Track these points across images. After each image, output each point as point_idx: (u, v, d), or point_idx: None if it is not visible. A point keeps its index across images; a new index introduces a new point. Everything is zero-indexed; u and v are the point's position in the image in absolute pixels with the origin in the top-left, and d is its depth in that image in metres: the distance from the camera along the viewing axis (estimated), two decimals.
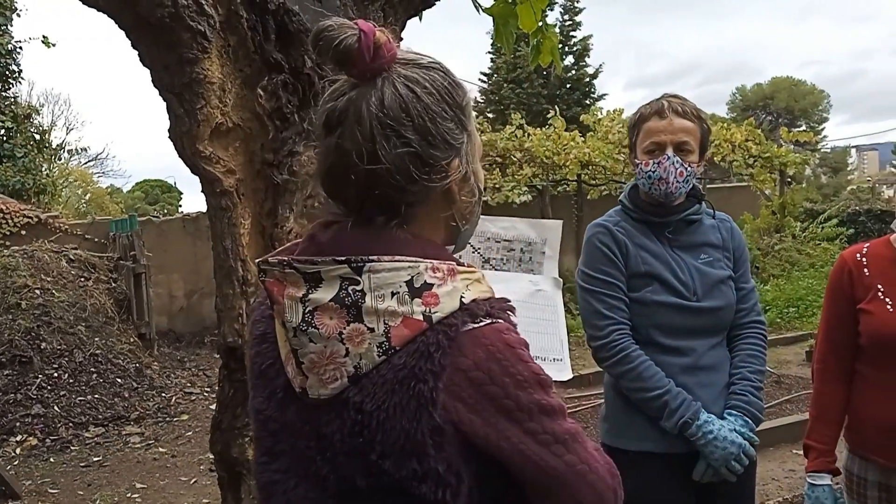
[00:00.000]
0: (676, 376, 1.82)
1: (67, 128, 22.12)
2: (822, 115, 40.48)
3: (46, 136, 11.69)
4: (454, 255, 1.01)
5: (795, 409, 5.42)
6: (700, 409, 1.79)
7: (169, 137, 2.06)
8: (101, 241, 8.90)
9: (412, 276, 0.88)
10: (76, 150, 18.93)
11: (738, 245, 1.98)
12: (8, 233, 8.47)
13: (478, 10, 2.86)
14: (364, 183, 0.90)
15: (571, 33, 24.53)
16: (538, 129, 10.95)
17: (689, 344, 1.85)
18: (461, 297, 0.90)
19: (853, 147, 43.49)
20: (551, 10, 24.19)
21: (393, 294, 0.87)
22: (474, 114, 1.04)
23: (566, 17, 24.58)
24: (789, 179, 13.51)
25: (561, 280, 1.68)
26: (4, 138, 10.15)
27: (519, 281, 1.60)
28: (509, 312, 0.95)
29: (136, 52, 2.03)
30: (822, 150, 34.22)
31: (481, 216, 1.64)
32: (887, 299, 1.83)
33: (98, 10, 1.96)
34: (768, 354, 6.58)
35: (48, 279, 7.13)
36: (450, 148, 0.93)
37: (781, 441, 4.73)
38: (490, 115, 21.74)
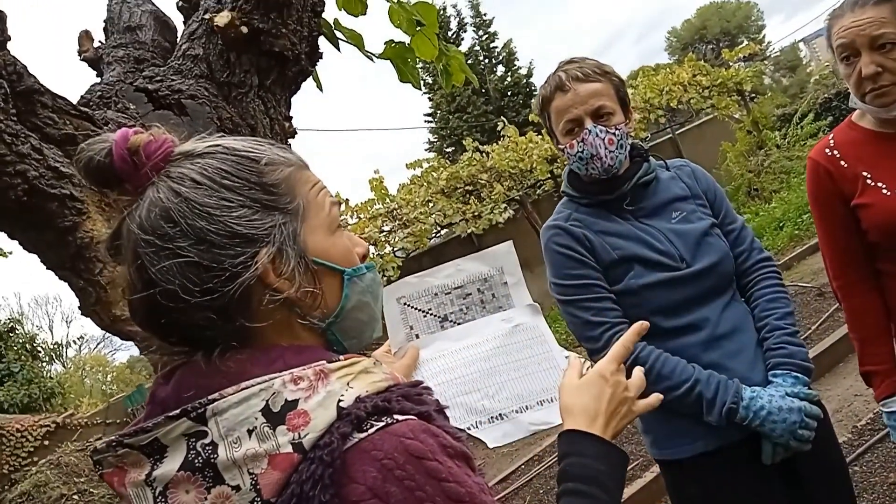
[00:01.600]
0: (699, 357, 1.57)
1: (66, 322, 22.16)
2: (758, 24, 40.61)
3: (35, 340, 11.65)
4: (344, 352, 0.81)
5: None
6: (739, 387, 1.53)
7: (84, 315, 1.88)
8: (122, 420, 8.74)
9: (267, 401, 0.68)
10: (74, 341, 18.94)
11: (707, 186, 1.74)
12: (32, 448, 8.31)
13: (371, 60, 2.73)
14: (156, 314, 0.74)
15: (491, 45, 24.71)
16: (494, 144, 10.85)
17: (698, 316, 1.60)
18: (338, 402, 0.69)
19: (800, 41, 43.28)
20: (465, 32, 24.50)
21: (250, 432, 0.67)
22: (319, 182, 0.85)
23: (480, 32, 24.79)
24: (753, 95, 13.36)
25: (538, 305, 1.44)
26: None
27: (490, 326, 1.37)
28: (423, 396, 0.75)
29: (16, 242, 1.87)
30: (771, 56, 34.19)
31: (417, 274, 1.44)
32: (879, 183, 1.59)
33: None
34: (800, 268, 6.26)
35: (81, 480, 6.93)
36: (247, 241, 0.75)
37: (849, 352, 4.43)
38: (448, 150, 21.75)
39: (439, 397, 1.22)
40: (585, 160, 1.64)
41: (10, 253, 8.15)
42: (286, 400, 0.69)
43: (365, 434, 0.68)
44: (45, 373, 11.37)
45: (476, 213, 9.89)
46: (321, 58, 2.40)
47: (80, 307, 1.86)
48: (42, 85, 1.70)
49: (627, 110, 1.68)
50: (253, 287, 0.74)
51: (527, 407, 1.24)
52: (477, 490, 0.69)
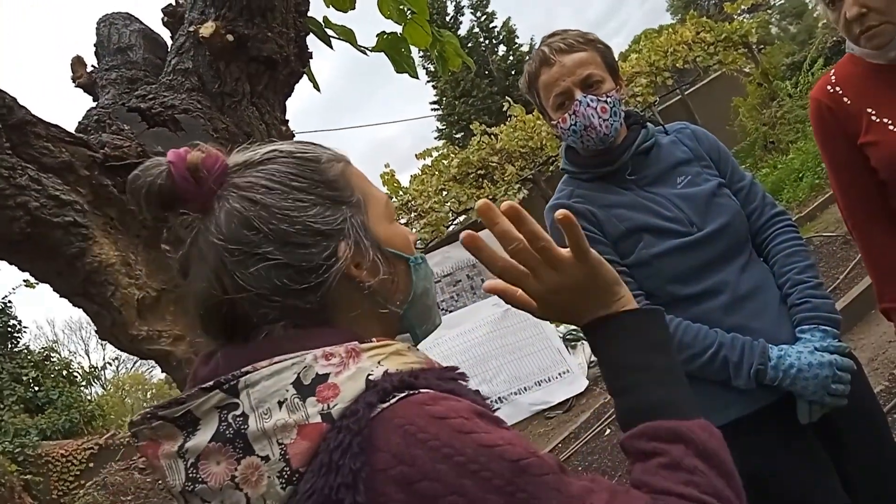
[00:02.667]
0: (722, 321, 1.53)
1: (101, 345, 22.52)
2: None
3: (71, 366, 11.85)
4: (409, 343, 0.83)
5: None
6: (766, 347, 1.48)
7: (102, 339, 1.89)
8: None
9: (299, 374, 0.69)
10: (109, 362, 19.25)
11: (710, 147, 1.70)
12: (78, 472, 8.46)
13: (365, 53, 2.71)
14: (240, 317, 0.76)
15: (491, 25, 24.52)
16: (502, 125, 10.77)
17: (716, 280, 1.56)
18: (367, 376, 0.70)
19: None
20: (462, 15, 24.32)
21: (280, 403, 0.67)
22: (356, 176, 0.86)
23: (478, 14, 24.59)
24: (760, 46, 13.12)
25: None
26: (36, 389, 10.27)
27: (482, 310, 1.36)
28: (458, 381, 0.75)
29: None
30: (776, 4, 33.54)
31: None
32: (884, 119, 1.52)
33: None
34: (824, 217, 6.14)
35: (128, 499, 7.05)
36: (327, 236, 0.77)
37: None
38: (458, 136, 21.68)
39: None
40: (579, 132, 1.60)
41: (38, 283, 8.30)
42: (317, 374, 0.69)
43: (387, 404, 0.68)
44: (83, 397, 11.59)
45: (490, 197, 9.83)
46: (311, 58, 2.38)
47: (96, 331, 1.87)
48: (34, 115, 1.70)
49: (617, 77, 1.64)
50: (340, 280, 0.77)
51: (525, 388, 1.23)
52: (512, 436, 0.66)
